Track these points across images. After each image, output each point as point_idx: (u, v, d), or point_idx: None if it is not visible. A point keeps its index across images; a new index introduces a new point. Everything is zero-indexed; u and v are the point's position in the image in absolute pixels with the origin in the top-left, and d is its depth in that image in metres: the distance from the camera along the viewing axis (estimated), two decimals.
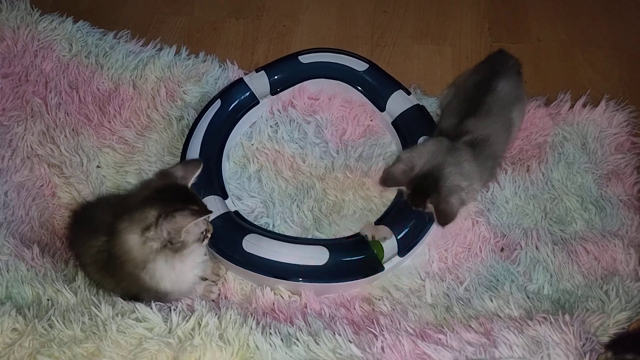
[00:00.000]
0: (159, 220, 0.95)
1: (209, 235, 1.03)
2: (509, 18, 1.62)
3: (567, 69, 1.51)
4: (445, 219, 1.08)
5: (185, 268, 1.02)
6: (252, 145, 1.37)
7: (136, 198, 1.01)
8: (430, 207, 1.10)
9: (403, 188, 1.14)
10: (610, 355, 0.90)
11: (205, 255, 1.09)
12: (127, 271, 0.99)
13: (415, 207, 1.12)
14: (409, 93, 1.37)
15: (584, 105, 1.37)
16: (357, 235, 1.19)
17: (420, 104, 1.35)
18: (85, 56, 1.49)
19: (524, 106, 1.31)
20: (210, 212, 1.02)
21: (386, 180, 1.14)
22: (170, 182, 1.02)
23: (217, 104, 1.35)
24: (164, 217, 0.95)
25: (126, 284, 1.03)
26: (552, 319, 0.99)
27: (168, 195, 0.99)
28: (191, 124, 1.33)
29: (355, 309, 1.11)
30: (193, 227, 0.97)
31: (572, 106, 1.37)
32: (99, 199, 1.18)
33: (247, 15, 1.67)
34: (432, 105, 1.40)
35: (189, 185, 1.04)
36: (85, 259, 1.07)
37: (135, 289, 1.03)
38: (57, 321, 0.96)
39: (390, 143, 1.37)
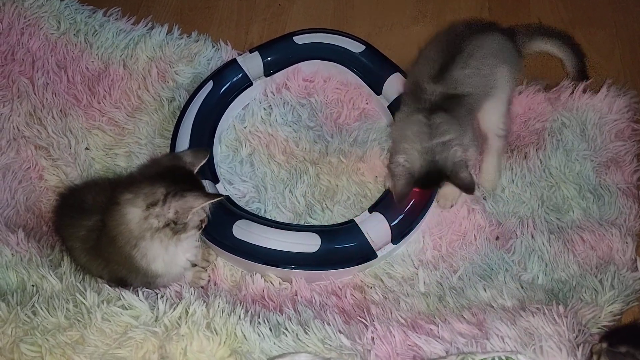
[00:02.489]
0: (167, 198, 0.93)
1: (204, 226, 1.02)
2: None
3: None
4: (468, 190, 1.11)
5: (179, 251, 1.01)
6: (245, 128, 1.34)
7: (143, 173, 1.00)
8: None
9: None
10: (604, 347, 0.89)
11: (198, 241, 1.07)
12: (118, 249, 0.97)
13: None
14: (406, 76, 1.33)
15: (585, 91, 1.34)
16: (351, 221, 1.17)
17: None
18: (73, 34, 1.45)
19: (513, 72, 1.20)
20: (222, 196, 1.02)
21: (402, 200, 1.12)
22: (180, 164, 1.01)
23: (210, 85, 1.32)
24: (173, 195, 0.93)
25: (114, 265, 1.01)
26: (546, 310, 0.98)
27: (177, 176, 0.98)
28: (182, 106, 1.30)
29: (346, 297, 1.10)
30: (200, 211, 0.96)
31: (572, 92, 1.34)
32: (87, 182, 1.16)
33: None
34: None
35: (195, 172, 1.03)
36: (73, 241, 1.05)
37: (123, 271, 1.01)
38: (41, 308, 0.95)
39: (386, 127, 1.34)
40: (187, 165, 1.02)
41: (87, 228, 1.01)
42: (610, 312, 1.03)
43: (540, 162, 1.26)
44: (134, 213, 0.95)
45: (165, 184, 0.95)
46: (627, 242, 1.13)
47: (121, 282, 1.03)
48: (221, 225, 1.12)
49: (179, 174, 0.99)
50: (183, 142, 1.24)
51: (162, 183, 0.95)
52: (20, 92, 1.35)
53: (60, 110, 1.35)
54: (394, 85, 1.32)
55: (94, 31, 1.46)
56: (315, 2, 1.60)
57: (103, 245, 0.99)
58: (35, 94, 1.35)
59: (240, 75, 1.35)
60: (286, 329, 0.97)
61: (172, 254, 1.00)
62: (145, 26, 1.49)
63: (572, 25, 1.51)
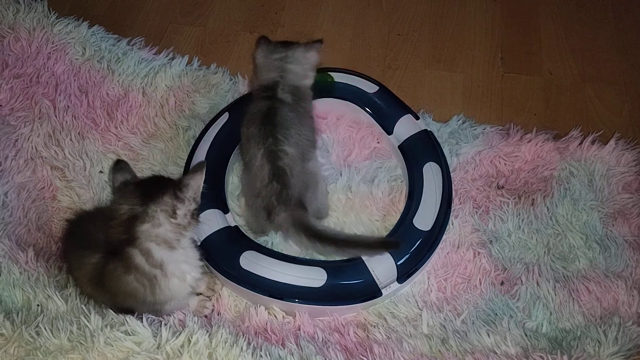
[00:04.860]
0: (177, 194, 0.95)
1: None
2: (523, 49, 1.62)
3: (577, 104, 1.50)
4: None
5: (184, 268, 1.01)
6: None
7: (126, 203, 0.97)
8: None
9: None
10: None
11: (202, 266, 1.07)
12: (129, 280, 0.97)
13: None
14: (417, 118, 1.36)
15: (593, 142, 1.36)
16: (357, 258, 1.17)
17: (428, 129, 1.34)
18: (97, 61, 1.50)
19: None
20: (204, 162, 1.01)
21: None
22: (138, 178, 1.02)
23: (225, 116, 1.35)
24: (180, 190, 0.95)
25: (122, 296, 1.00)
26: (550, 359, 0.97)
27: (159, 182, 0.99)
28: (197, 135, 1.33)
29: (349, 334, 1.09)
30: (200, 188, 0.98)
31: (581, 142, 1.36)
32: (96, 210, 1.16)
33: (261, 30, 1.67)
34: (439, 131, 1.40)
35: None
36: (79, 272, 1.05)
37: (130, 301, 1.01)
38: (45, 329, 0.95)
39: (396, 167, 1.36)
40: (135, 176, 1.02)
41: (92, 264, 1.01)
42: None
43: (547, 210, 1.27)
44: (160, 230, 0.95)
45: (165, 190, 0.95)
46: (633, 295, 1.12)
47: (127, 311, 1.02)
48: (228, 256, 1.13)
49: (156, 180, 1.00)
50: None
51: (164, 192, 0.95)
52: (41, 113, 1.39)
53: (79, 133, 1.38)
54: (405, 126, 1.34)
55: (117, 59, 1.50)
56: (332, 41, 1.65)
57: (112, 281, 0.98)
58: (55, 116, 1.39)
59: None
60: None
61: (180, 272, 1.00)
62: (167, 56, 1.54)
63: (582, 80, 1.55)
